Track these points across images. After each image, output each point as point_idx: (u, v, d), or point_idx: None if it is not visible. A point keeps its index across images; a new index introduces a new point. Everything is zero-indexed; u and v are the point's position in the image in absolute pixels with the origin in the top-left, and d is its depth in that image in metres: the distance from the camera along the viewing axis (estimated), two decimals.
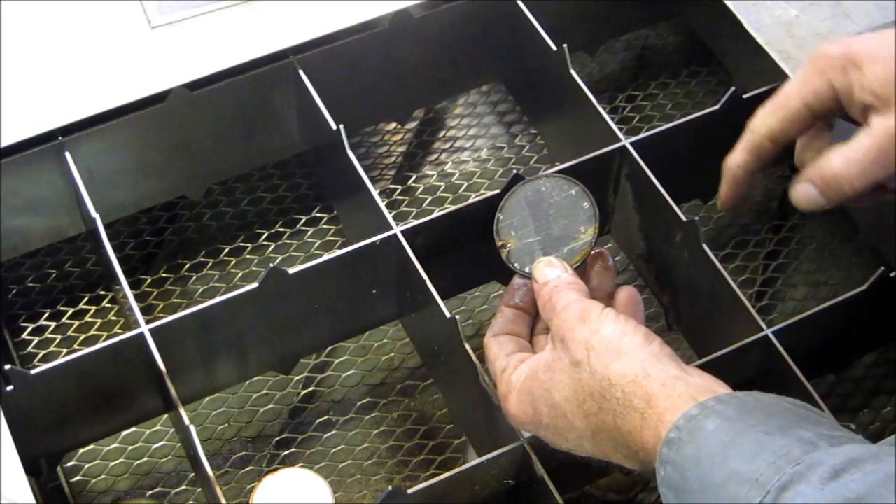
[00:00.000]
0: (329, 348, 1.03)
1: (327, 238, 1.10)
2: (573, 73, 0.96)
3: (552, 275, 0.75)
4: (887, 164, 0.65)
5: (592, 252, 0.79)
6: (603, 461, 0.70)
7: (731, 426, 0.61)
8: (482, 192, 1.12)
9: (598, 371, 0.68)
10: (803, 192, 0.71)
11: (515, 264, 0.79)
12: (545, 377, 0.71)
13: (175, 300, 1.07)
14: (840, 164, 0.67)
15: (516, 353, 0.76)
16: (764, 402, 0.63)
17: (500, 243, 0.79)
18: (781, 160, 0.78)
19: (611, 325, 0.69)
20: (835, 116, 0.73)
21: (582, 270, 0.78)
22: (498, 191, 0.87)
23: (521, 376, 0.73)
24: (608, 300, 0.77)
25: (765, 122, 0.73)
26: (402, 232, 0.87)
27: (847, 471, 0.55)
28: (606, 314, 0.70)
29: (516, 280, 0.80)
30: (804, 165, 0.73)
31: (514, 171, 0.85)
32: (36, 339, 1.04)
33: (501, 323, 0.78)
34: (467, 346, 0.83)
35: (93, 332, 1.04)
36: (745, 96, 0.92)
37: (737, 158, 0.77)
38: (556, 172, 0.84)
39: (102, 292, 1.07)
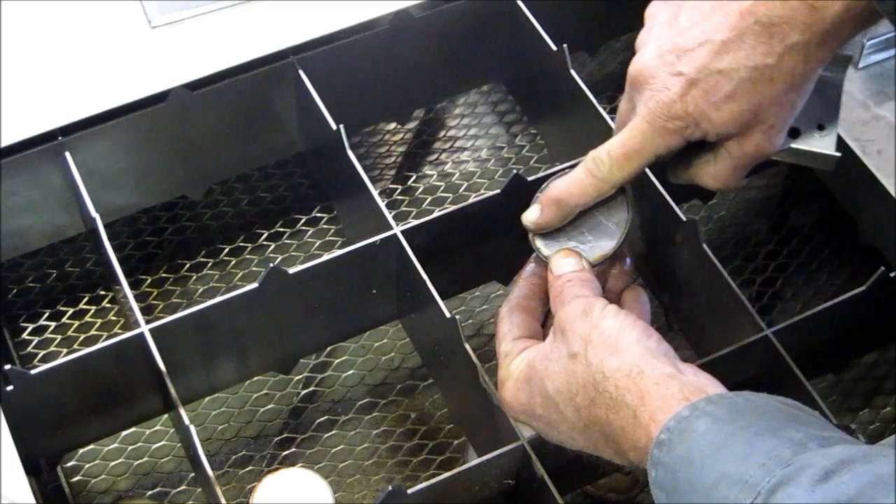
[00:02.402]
0: (329, 348, 1.03)
1: (327, 238, 1.10)
2: (573, 73, 0.96)
3: (567, 268, 0.75)
4: (744, 173, 0.76)
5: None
6: (594, 456, 0.71)
7: (722, 428, 0.61)
8: (482, 192, 1.11)
9: (593, 363, 0.68)
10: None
11: (538, 245, 0.78)
12: (541, 367, 0.71)
13: (175, 300, 1.07)
14: (712, 181, 0.76)
15: (522, 338, 0.76)
16: (755, 402, 0.63)
17: None
18: None
19: (611, 320, 0.70)
20: None
21: (600, 270, 0.78)
22: (498, 191, 0.87)
23: (520, 364, 0.73)
24: (618, 300, 0.77)
25: (614, 174, 0.75)
26: (402, 232, 0.87)
27: (837, 472, 0.55)
28: (608, 310, 0.71)
29: (535, 259, 0.79)
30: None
31: (514, 171, 0.85)
32: (36, 339, 1.04)
33: (518, 296, 0.78)
34: (467, 346, 0.83)
35: (93, 332, 1.04)
36: None
37: (576, 199, 0.76)
38: None
39: (102, 292, 1.07)
